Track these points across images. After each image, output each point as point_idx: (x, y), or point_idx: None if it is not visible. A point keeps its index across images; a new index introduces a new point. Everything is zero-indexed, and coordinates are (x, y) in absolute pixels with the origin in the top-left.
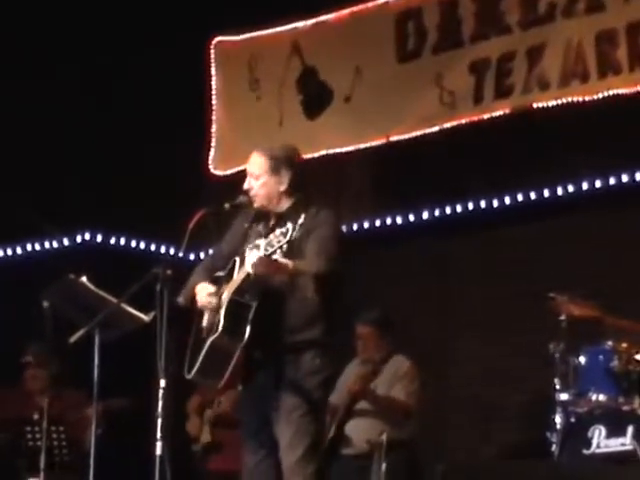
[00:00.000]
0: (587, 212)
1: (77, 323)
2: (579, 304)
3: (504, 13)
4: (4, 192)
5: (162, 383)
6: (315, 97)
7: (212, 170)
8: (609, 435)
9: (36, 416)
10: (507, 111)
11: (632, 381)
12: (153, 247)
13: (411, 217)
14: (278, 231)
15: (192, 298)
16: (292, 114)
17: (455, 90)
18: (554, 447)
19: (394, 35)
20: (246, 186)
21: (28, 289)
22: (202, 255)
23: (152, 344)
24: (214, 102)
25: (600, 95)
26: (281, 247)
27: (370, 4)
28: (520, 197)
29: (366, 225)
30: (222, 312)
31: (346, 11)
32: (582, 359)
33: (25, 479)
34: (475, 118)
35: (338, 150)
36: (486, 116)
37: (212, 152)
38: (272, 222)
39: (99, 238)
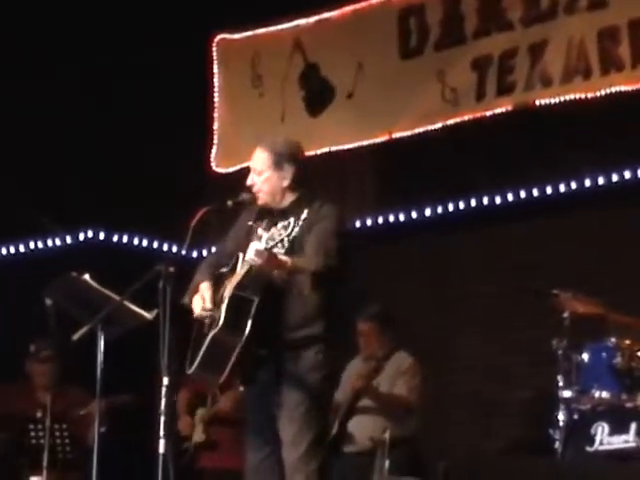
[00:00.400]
0: (589, 209)
1: (80, 321)
2: (582, 301)
3: (506, 9)
4: (6, 191)
5: (165, 381)
6: (317, 94)
7: (214, 167)
8: (612, 432)
9: (39, 414)
10: (509, 108)
11: (635, 378)
12: (156, 245)
13: (413, 214)
14: (280, 225)
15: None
16: (294, 111)
17: (457, 87)
18: (557, 444)
19: (396, 31)
20: (249, 182)
21: (31, 287)
22: (205, 252)
23: (155, 341)
24: (216, 99)
25: (602, 92)
26: (282, 241)
27: (373, 1)
28: (522, 194)
29: (369, 222)
30: (224, 307)
31: (348, 8)
32: (585, 356)
33: (28, 477)
34: (477, 115)
35: (340, 147)
36: (488, 113)
37: (214, 149)
38: (275, 217)
39: (101, 236)
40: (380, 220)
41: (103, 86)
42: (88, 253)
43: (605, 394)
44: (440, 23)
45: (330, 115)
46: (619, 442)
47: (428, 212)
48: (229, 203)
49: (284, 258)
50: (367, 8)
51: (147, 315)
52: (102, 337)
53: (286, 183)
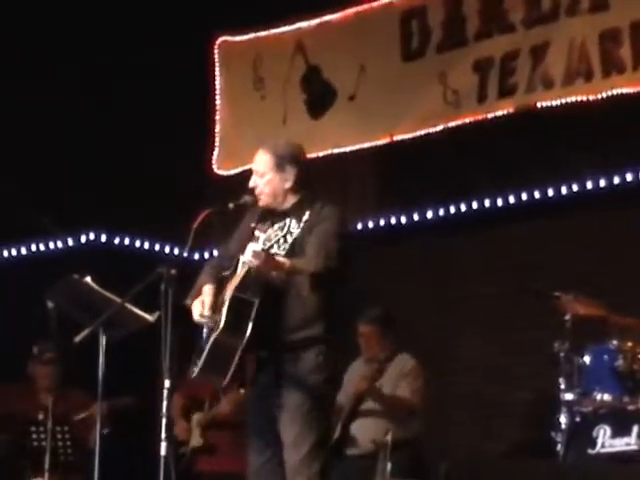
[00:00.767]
0: (591, 211)
1: (82, 323)
2: (584, 303)
3: (508, 11)
4: (7, 193)
5: (167, 383)
6: (319, 96)
7: (216, 170)
8: (614, 435)
9: (41, 416)
10: (511, 110)
11: (637, 380)
12: (157, 247)
13: (415, 215)
14: (276, 226)
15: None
16: (296, 113)
17: (459, 89)
18: (559, 447)
19: (398, 34)
20: (251, 184)
21: (33, 289)
22: (207, 255)
23: (157, 344)
24: (218, 101)
25: (604, 94)
26: (278, 241)
27: (375, 4)
28: (524, 196)
29: (370, 224)
30: (224, 309)
31: (350, 10)
32: (587, 358)
33: (29, 479)
34: (479, 117)
35: (342, 149)
36: (490, 115)
37: (216, 152)
38: (276, 219)
39: (103, 238)
40: (382, 222)
41: (103, 87)
42: (90, 255)
43: (607, 397)
44: (442, 25)
45: (332, 117)
46: (621, 445)
47: (429, 214)
48: (231, 205)
49: (282, 259)
50: (369, 10)
51: (149, 317)
52: (104, 339)
53: (288, 185)
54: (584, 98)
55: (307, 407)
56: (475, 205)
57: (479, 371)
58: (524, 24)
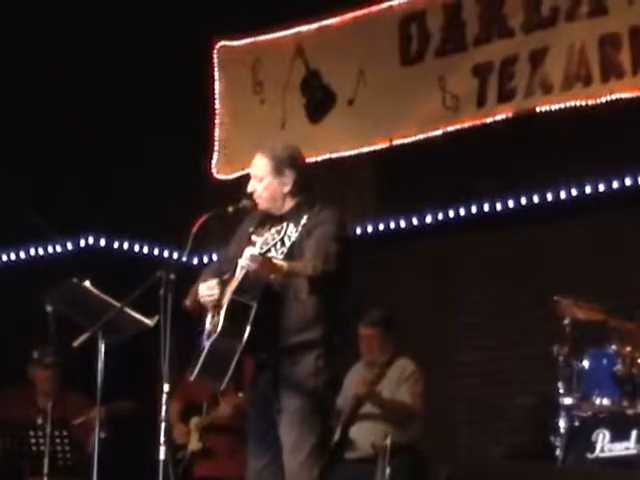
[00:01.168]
0: (590, 215)
1: (81, 327)
2: (583, 307)
3: (507, 16)
4: (6, 197)
5: (166, 387)
6: (318, 100)
7: (215, 174)
8: (613, 439)
9: (40, 420)
10: (510, 114)
11: (636, 385)
12: (156, 251)
13: (414, 220)
14: (274, 229)
15: (198, 302)
16: (295, 117)
17: (458, 93)
18: (558, 451)
19: (397, 38)
20: (250, 189)
21: (32, 293)
22: (205, 259)
23: (156, 348)
24: (217, 106)
25: (603, 99)
26: (275, 245)
27: (374, 8)
28: (523, 200)
29: (369, 228)
30: (222, 312)
31: (350, 15)
32: (586, 363)
33: None
34: (478, 121)
35: (341, 153)
36: (489, 119)
37: (215, 156)
38: (274, 223)
39: (102, 242)
40: (381, 226)
41: (104, 92)
42: (89, 259)
43: (606, 401)
44: (441, 29)
45: (331, 121)
46: (620, 449)
47: (429, 218)
48: (230, 210)
49: (280, 262)
50: (368, 15)
51: (148, 322)
52: (103, 344)
53: (287, 189)
54: (583, 103)
55: (306, 411)
56: (474, 209)
57: (478, 375)
58: (523, 29)
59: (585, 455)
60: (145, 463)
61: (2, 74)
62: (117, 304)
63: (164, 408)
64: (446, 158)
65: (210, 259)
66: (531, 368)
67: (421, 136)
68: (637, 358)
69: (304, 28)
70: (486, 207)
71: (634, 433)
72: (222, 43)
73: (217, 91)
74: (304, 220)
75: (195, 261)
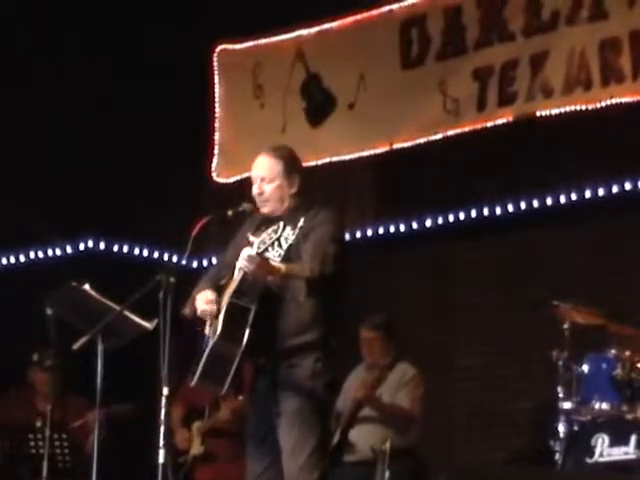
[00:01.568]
0: (590, 219)
1: (80, 330)
2: (583, 312)
3: (507, 20)
4: (6, 200)
5: (165, 391)
6: (319, 104)
7: (215, 178)
8: (612, 444)
9: (39, 423)
10: (510, 118)
11: (635, 389)
12: (156, 254)
13: (414, 224)
14: (270, 229)
15: (196, 309)
16: (295, 121)
17: (458, 97)
18: (557, 455)
19: (398, 42)
20: (257, 191)
21: (31, 296)
22: (205, 262)
23: (155, 351)
24: (217, 109)
25: (603, 103)
26: (272, 244)
27: (375, 12)
28: (523, 204)
29: (369, 232)
30: (221, 316)
31: (350, 18)
32: (585, 367)
33: None
34: (478, 125)
35: (341, 157)
36: (489, 123)
37: (215, 160)
38: (270, 223)
39: (102, 245)
40: (381, 230)
41: (103, 96)
42: (88, 262)
43: (605, 405)
44: (441, 33)
45: (331, 125)
46: (619, 454)
47: (429, 222)
48: (229, 213)
49: (277, 264)
50: (369, 18)
51: (147, 325)
52: (102, 347)
53: (294, 190)
54: (583, 107)
55: (306, 414)
56: (474, 213)
57: (478, 380)
58: (524, 33)
59: (584, 460)
60: (144, 466)
61: (2, 74)
62: (117, 307)
63: (163, 411)
64: (446, 162)
65: (210, 262)
66: (530, 372)
67: (421, 140)
68: (636, 362)
69: (304, 32)
70: (486, 211)
71: (633, 438)
72: (222, 47)
73: (217, 95)
74: (301, 222)
75: (195, 264)
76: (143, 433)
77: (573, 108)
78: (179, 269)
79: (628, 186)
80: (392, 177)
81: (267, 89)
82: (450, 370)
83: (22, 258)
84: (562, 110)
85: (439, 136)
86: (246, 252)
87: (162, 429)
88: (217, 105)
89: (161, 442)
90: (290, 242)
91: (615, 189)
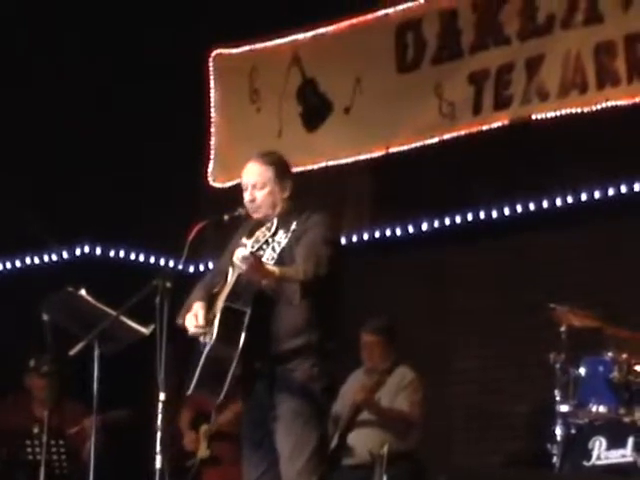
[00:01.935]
0: (586, 222)
1: (77, 336)
2: (579, 314)
3: (503, 24)
4: (6, 200)
5: (162, 396)
6: (315, 108)
7: (211, 182)
8: (609, 447)
9: (36, 429)
10: (506, 122)
11: (632, 392)
12: (152, 259)
13: (410, 228)
14: (264, 227)
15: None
16: (292, 125)
17: (454, 101)
18: (554, 458)
19: (394, 46)
20: (249, 198)
21: (28, 302)
22: (202, 267)
23: (152, 357)
24: (213, 114)
25: (598, 106)
26: (267, 242)
27: (370, 16)
28: (519, 208)
29: (365, 236)
30: (216, 321)
31: (346, 23)
32: (582, 370)
33: None
34: (474, 129)
35: (338, 161)
36: (485, 127)
37: (211, 164)
38: (260, 226)
39: (98, 250)
40: (377, 234)
41: (103, 94)
42: (85, 268)
43: (602, 408)
44: (437, 37)
45: (327, 130)
46: (616, 457)
47: (425, 226)
48: (225, 218)
49: (271, 267)
50: (365, 23)
51: (143, 330)
52: (98, 352)
53: (286, 195)
54: (579, 110)
55: (303, 418)
56: (470, 217)
57: (475, 383)
58: (519, 37)
59: (581, 463)
60: (141, 472)
61: (2, 74)
62: (113, 313)
63: (160, 417)
64: (442, 165)
65: (206, 267)
66: (527, 375)
67: (417, 143)
68: (633, 365)
69: (300, 36)
70: (482, 214)
71: (630, 441)
72: (218, 51)
73: (213, 100)
74: (293, 226)
75: (191, 269)
76: (140, 439)
77: (569, 111)
78: (175, 274)
79: (624, 189)
80: (389, 181)
81: (263, 94)
82: (447, 373)
83: (18, 264)
84: (558, 113)
85: (435, 140)
86: (240, 252)
87: (159, 435)
88: (213, 110)
89: (158, 448)
90: (283, 246)
91: (611, 192)
